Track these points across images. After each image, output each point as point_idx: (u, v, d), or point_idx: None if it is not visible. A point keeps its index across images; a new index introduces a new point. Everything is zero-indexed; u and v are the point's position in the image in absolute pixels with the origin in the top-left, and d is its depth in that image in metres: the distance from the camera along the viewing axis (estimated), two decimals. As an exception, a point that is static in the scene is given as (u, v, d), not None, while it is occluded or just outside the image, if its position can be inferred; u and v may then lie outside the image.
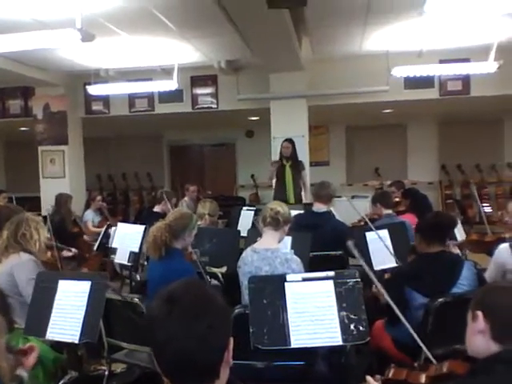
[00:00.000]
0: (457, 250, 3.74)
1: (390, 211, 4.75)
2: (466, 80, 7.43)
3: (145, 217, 5.78)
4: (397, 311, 2.22)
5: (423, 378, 1.81)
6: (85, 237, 6.37)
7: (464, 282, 2.89)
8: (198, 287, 1.28)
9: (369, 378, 1.77)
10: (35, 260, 3.23)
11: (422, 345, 2.17)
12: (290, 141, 6.87)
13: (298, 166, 6.80)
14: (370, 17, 5.52)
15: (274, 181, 6.98)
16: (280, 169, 6.80)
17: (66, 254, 4.16)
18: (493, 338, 1.50)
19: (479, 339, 1.53)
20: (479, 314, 1.53)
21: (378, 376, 1.83)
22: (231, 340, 1.26)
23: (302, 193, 6.79)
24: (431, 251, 2.97)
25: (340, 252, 4.13)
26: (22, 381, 1.71)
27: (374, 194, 5.26)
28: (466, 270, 2.93)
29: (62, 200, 6.53)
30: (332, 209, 6.13)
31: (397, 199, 5.95)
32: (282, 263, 2.89)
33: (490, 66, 6.23)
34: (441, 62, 7.13)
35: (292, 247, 3.66)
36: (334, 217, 4.84)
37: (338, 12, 5.34)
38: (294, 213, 4.39)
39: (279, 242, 3.10)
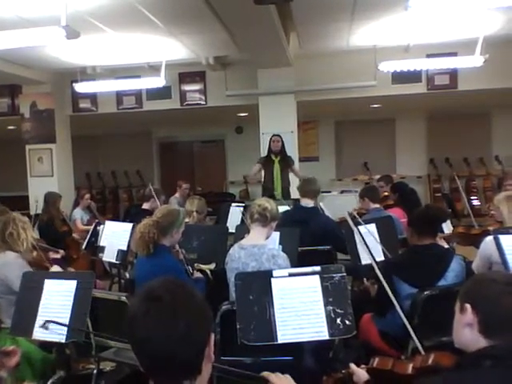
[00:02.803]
0: (444, 243, 3.77)
1: (377, 205, 4.78)
2: (453, 74, 7.46)
3: (133, 214, 5.76)
4: (392, 298, 2.25)
5: (409, 369, 1.80)
6: (74, 235, 6.34)
7: (452, 275, 2.92)
8: (177, 285, 1.28)
9: (352, 365, 1.77)
10: (22, 258, 3.24)
11: (412, 334, 2.19)
12: (279, 135, 6.88)
13: (287, 161, 6.80)
14: (356, 12, 5.53)
15: (261, 174, 6.95)
16: (268, 164, 6.76)
17: (52, 255, 4.12)
18: (481, 331, 1.48)
19: (467, 332, 1.51)
20: (467, 306, 1.50)
21: (363, 366, 1.84)
22: (212, 336, 1.27)
23: (290, 188, 6.79)
24: (422, 243, 3.01)
25: (328, 247, 4.15)
26: (1, 381, 1.70)
27: (362, 189, 5.28)
28: (454, 262, 2.96)
29: (51, 199, 6.48)
30: (321, 204, 6.18)
31: (385, 193, 5.98)
32: (269, 259, 2.90)
33: (476, 60, 6.26)
34: (428, 56, 7.15)
35: (280, 243, 3.68)
36: (322, 212, 4.86)
37: (324, 7, 5.34)
38: (282, 209, 4.45)
39: (267, 238, 3.11)
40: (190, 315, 1.20)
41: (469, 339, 1.51)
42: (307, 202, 4.45)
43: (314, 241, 4.06)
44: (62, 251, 4.46)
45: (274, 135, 6.89)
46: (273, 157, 6.78)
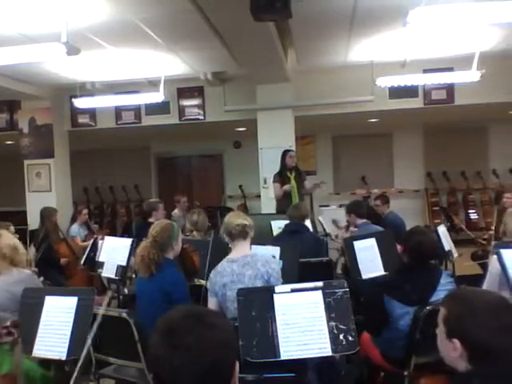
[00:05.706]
0: None
1: (364, 220, 4.77)
2: (450, 89, 7.52)
3: (138, 228, 5.69)
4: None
5: None
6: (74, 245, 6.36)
7: (442, 288, 2.91)
8: (199, 320, 1.23)
9: None
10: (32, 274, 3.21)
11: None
12: (294, 151, 6.82)
13: (301, 176, 6.67)
14: (354, 28, 5.59)
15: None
16: (284, 181, 6.57)
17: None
18: (468, 360, 1.50)
19: (455, 357, 1.52)
20: (456, 342, 1.50)
21: None
22: (237, 366, 1.24)
23: None
24: None
25: (327, 258, 4.23)
26: None
27: (348, 204, 5.17)
28: (443, 278, 2.97)
29: (47, 214, 6.46)
30: (320, 218, 6.18)
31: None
32: (264, 264, 2.97)
33: (473, 74, 6.32)
34: (425, 71, 7.21)
35: (281, 258, 3.68)
36: (322, 227, 4.94)
37: (322, 24, 5.39)
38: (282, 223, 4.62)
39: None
40: (216, 351, 1.18)
41: (458, 362, 1.52)
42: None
43: (307, 249, 4.24)
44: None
45: (290, 150, 6.79)
46: (288, 173, 6.64)
